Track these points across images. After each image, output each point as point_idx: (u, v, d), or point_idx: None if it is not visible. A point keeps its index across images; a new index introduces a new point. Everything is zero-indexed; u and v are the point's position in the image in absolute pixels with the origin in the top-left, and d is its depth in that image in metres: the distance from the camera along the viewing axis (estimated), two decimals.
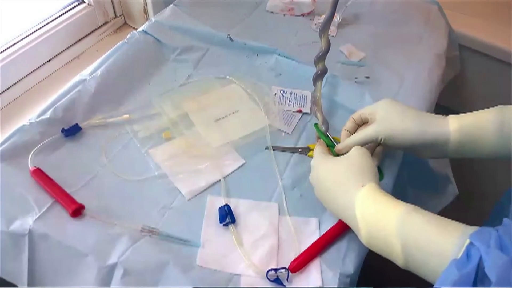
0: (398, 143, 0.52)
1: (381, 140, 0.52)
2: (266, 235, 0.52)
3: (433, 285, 0.37)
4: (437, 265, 0.38)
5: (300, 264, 0.49)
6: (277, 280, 0.48)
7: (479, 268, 0.33)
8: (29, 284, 0.50)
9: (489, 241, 0.35)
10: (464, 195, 0.79)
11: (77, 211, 0.51)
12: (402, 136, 0.51)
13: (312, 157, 0.55)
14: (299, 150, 0.62)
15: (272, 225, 0.53)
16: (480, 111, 0.51)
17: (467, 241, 0.37)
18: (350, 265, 0.50)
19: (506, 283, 0.31)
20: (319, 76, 0.62)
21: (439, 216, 0.42)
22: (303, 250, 0.50)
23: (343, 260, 0.50)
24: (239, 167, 0.60)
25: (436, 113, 0.70)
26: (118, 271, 0.47)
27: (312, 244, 0.51)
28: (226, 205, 0.54)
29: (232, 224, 0.52)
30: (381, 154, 0.57)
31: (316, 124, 0.59)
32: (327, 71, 0.63)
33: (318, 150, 0.54)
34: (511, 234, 0.35)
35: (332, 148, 0.57)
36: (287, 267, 0.48)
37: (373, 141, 0.53)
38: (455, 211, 0.60)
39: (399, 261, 0.42)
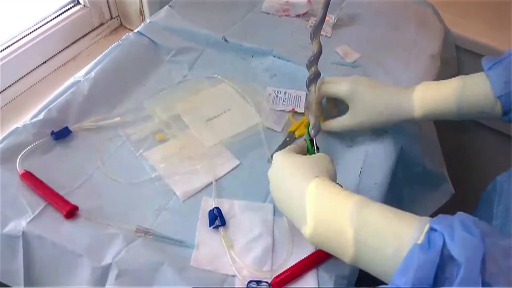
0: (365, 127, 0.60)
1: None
2: (260, 237, 0.52)
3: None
4: (393, 253, 0.36)
5: (283, 280, 0.47)
6: None
7: (442, 253, 0.32)
8: (25, 285, 0.50)
9: (452, 225, 0.33)
10: (460, 194, 0.79)
11: (71, 212, 0.51)
12: (372, 123, 0.59)
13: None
14: (287, 140, 0.63)
15: (266, 226, 0.53)
16: (443, 81, 0.56)
17: (427, 227, 0.35)
18: (346, 267, 0.49)
19: (475, 264, 0.30)
20: (312, 80, 0.61)
21: (395, 208, 0.40)
22: (292, 259, 0.49)
23: (339, 262, 0.48)
24: (234, 168, 0.60)
25: None
26: (113, 272, 0.47)
27: (301, 261, 0.49)
28: (216, 208, 0.54)
29: (222, 227, 0.52)
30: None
31: (308, 125, 0.59)
32: (320, 75, 0.62)
33: (289, 147, 0.53)
34: (473, 218, 0.34)
35: (310, 154, 0.55)
36: (269, 281, 0.47)
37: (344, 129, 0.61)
38: (450, 210, 0.60)
39: (348, 252, 0.39)
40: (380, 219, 0.39)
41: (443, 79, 0.56)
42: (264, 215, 0.54)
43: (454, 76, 0.55)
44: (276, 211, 0.55)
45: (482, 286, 0.29)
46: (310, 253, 0.50)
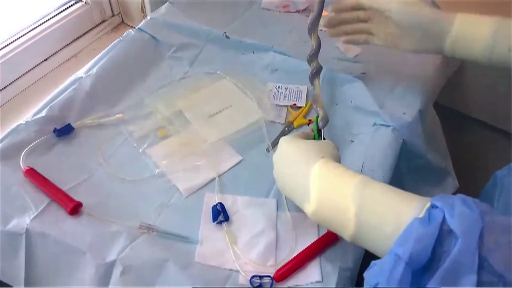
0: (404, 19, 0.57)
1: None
2: (263, 232, 0.52)
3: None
4: (392, 230, 0.36)
5: (285, 273, 0.48)
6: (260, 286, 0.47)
7: (442, 227, 0.32)
8: (26, 284, 0.50)
9: (453, 203, 0.33)
10: (461, 191, 0.79)
11: (75, 209, 0.51)
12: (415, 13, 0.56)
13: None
14: (285, 129, 0.63)
15: (270, 221, 0.53)
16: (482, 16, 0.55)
17: (428, 204, 0.35)
18: (350, 258, 0.50)
19: (472, 237, 0.30)
20: (315, 74, 0.62)
21: (398, 189, 0.40)
22: (295, 253, 0.50)
23: (342, 254, 0.50)
24: (237, 164, 0.60)
25: (438, 112, 0.70)
26: (117, 269, 0.47)
27: (300, 252, 0.50)
28: (219, 203, 0.54)
29: (226, 222, 0.52)
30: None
31: (317, 117, 0.59)
32: (321, 68, 0.62)
33: (295, 134, 0.53)
34: (473, 199, 0.34)
35: None
36: (271, 275, 0.48)
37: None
38: None
39: (349, 230, 0.40)
40: (382, 197, 0.39)
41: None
42: (267, 210, 0.54)
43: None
44: (279, 207, 0.55)
45: (479, 260, 0.30)
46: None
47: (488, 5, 0.97)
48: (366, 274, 0.36)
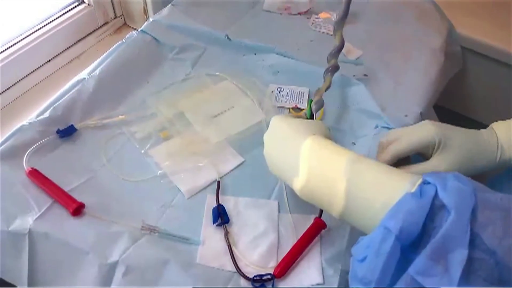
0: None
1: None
2: (265, 233, 0.52)
3: None
4: (383, 205, 0.35)
5: (284, 268, 0.48)
6: (263, 286, 0.47)
7: (433, 202, 0.31)
8: (29, 284, 0.50)
9: (446, 178, 0.33)
10: None
11: (78, 210, 0.51)
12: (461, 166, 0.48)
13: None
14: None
15: (271, 222, 0.53)
16: None
17: (420, 180, 0.35)
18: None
19: (465, 212, 0.30)
20: (330, 72, 0.62)
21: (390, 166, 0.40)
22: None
23: (344, 256, 0.50)
24: (239, 165, 0.60)
25: (437, 114, 0.70)
26: (120, 269, 0.47)
27: (294, 245, 0.50)
28: (220, 205, 0.54)
29: (226, 225, 0.52)
30: None
31: (311, 100, 0.59)
32: (338, 68, 0.62)
33: (285, 114, 0.52)
34: (466, 177, 0.33)
35: None
36: (271, 272, 0.48)
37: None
38: None
39: (338, 205, 0.39)
40: (374, 173, 0.38)
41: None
42: (269, 211, 0.54)
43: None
44: (281, 208, 0.55)
45: (471, 235, 0.29)
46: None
47: (488, 5, 0.97)
48: (353, 249, 0.36)
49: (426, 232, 0.31)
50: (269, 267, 0.49)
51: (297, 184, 0.43)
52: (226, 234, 0.51)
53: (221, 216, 0.53)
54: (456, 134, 0.49)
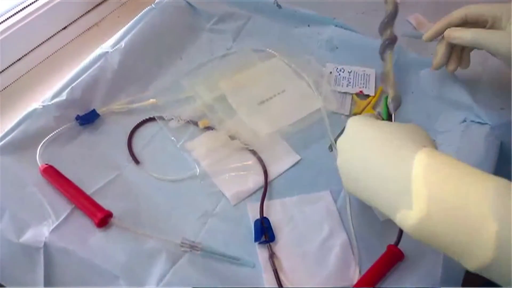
0: None
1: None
2: (331, 233, 0.44)
3: None
4: None
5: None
6: None
7: None
8: None
9: None
10: None
11: (104, 220, 0.42)
12: None
13: None
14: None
15: (332, 216, 0.45)
16: None
17: None
18: None
19: None
20: (388, 46, 0.52)
21: None
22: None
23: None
24: (294, 165, 0.50)
25: None
26: None
27: (358, 281, 0.41)
28: (264, 217, 0.45)
29: (270, 243, 0.43)
30: None
31: (386, 98, 0.49)
32: (396, 39, 0.53)
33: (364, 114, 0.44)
34: None
35: None
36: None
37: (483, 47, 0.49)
38: None
39: (482, 256, 0.29)
40: None
41: None
42: (326, 205, 0.46)
43: None
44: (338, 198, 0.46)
45: None
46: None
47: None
48: None
49: None
50: (351, 275, 0.41)
51: (409, 218, 0.32)
52: (272, 256, 0.42)
53: (265, 233, 0.43)
54: None
